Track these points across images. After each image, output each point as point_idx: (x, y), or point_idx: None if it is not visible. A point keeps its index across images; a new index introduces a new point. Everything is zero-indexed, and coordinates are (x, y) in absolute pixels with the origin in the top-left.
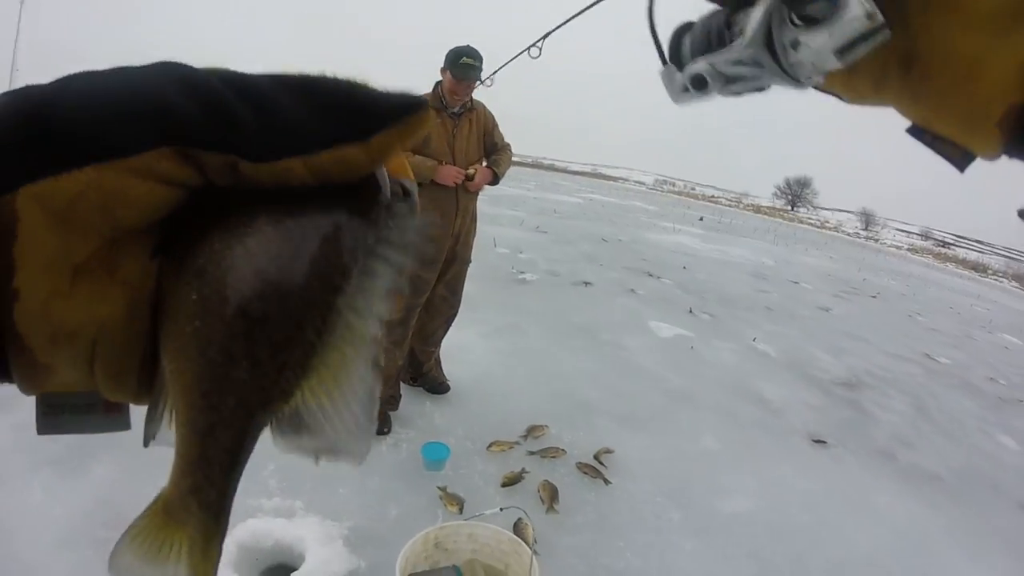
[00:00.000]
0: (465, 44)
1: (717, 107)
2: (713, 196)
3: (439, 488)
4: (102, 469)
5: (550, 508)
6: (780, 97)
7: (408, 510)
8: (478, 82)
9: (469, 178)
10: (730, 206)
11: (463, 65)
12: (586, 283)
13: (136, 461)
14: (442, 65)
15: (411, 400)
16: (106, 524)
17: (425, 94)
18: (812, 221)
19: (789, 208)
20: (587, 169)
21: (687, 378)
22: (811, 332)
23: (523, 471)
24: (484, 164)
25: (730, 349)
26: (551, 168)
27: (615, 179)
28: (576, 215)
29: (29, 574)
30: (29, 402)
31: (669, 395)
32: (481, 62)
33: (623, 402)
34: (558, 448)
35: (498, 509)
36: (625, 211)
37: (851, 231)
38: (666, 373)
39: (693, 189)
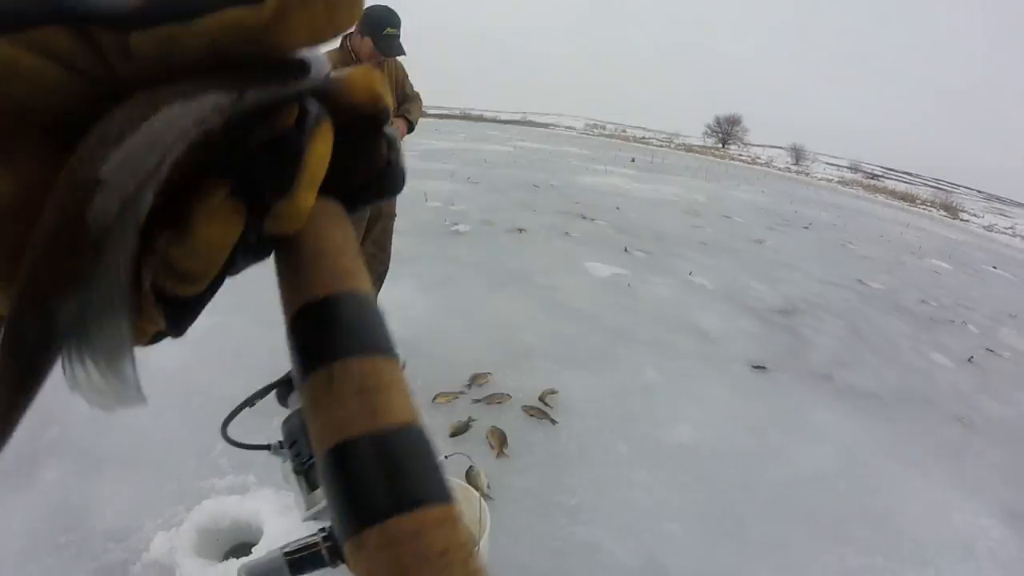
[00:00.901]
0: (383, 4)
1: (646, 41)
2: (644, 137)
3: None
4: (51, 475)
5: (500, 453)
6: (708, 30)
7: None
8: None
9: None
10: (661, 146)
11: (388, 37)
12: (520, 230)
13: (85, 461)
14: (360, 28)
15: None
16: (67, 529)
17: (331, 51)
18: (743, 158)
19: (720, 146)
20: (516, 118)
21: (625, 315)
22: (746, 264)
23: (470, 420)
24: (397, 115)
25: (666, 284)
26: (480, 119)
27: (545, 126)
28: (507, 163)
29: None
30: None
31: (608, 333)
32: (401, 27)
33: (563, 344)
34: (503, 394)
35: (443, 457)
36: (556, 156)
37: (782, 166)
38: (604, 312)
39: (624, 131)
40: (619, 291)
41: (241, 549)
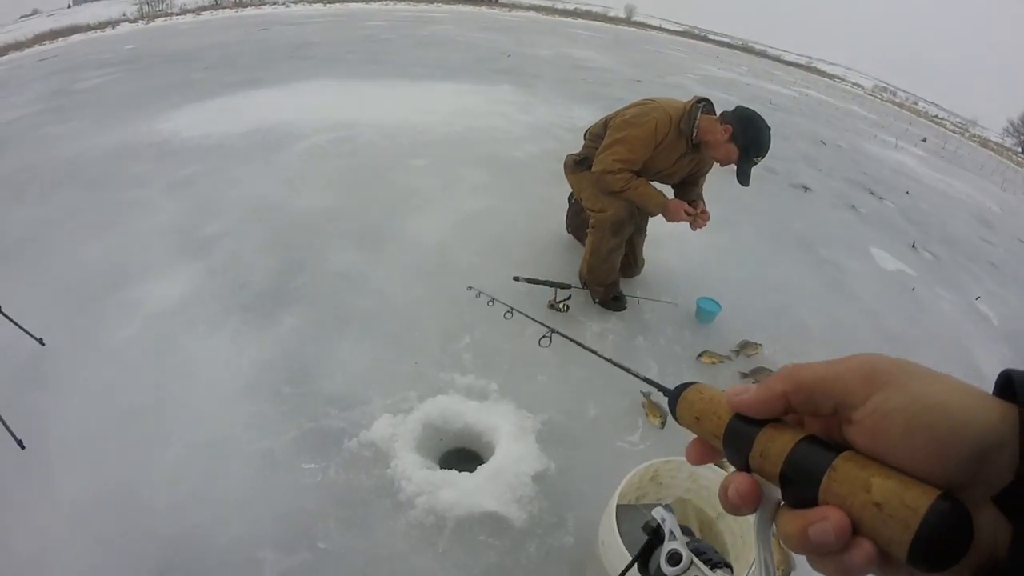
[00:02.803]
0: (768, 130)
1: (954, 27)
2: (937, 116)
3: (643, 394)
4: (292, 321)
5: None
6: None
7: (607, 412)
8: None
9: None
10: (954, 132)
11: (752, 163)
12: (805, 188)
13: (326, 316)
14: (728, 117)
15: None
16: (290, 380)
17: (678, 104)
18: None
19: (1020, 150)
20: (801, 61)
21: (905, 324)
22: None
23: None
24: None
25: (951, 301)
26: (762, 55)
27: (831, 76)
28: (791, 109)
29: (203, 421)
30: (225, 247)
31: (886, 338)
32: None
33: (840, 335)
34: (771, 372)
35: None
36: (842, 114)
37: None
38: (885, 311)
39: (915, 103)
40: (903, 292)
41: (461, 459)
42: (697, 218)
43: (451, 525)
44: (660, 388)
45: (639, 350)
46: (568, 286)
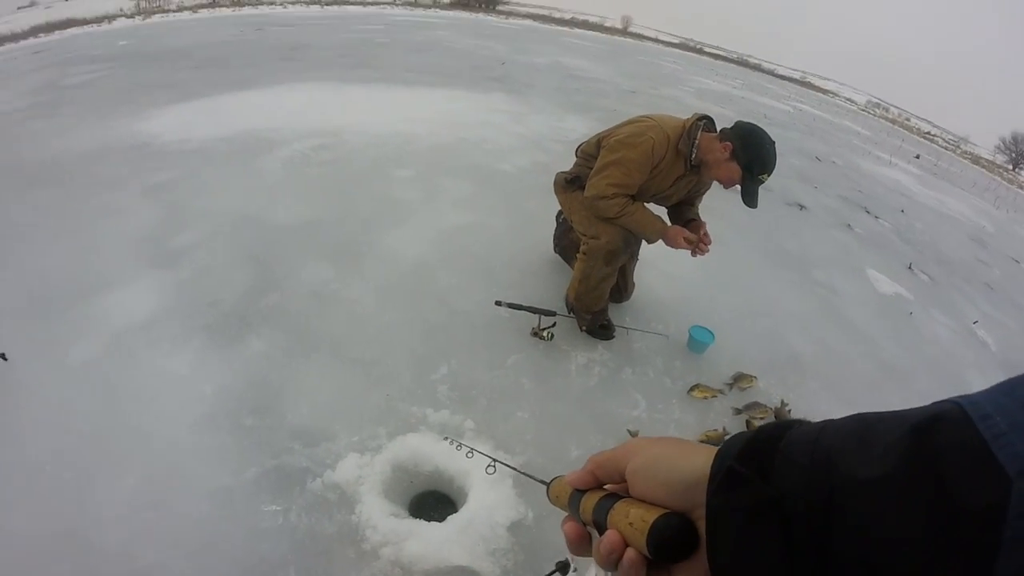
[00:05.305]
0: (772, 144)
1: (944, 38)
2: (929, 133)
3: (630, 432)
4: (260, 344)
5: None
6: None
7: (590, 453)
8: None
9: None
10: (946, 149)
11: (757, 182)
12: (800, 206)
13: (295, 340)
14: (727, 134)
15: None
16: (253, 410)
17: (677, 122)
18: None
19: (1010, 167)
20: (795, 75)
21: (902, 350)
22: None
23: (724, 432)
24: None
25: (948, 326)
26: (757, 68)
27: (824, 92)
28: (786, 124)
29: (160, 452)
30: (196, 260)
31: (883, 367)
32: None
33: (835, 365)
34: (766, 408)
35: None
36: (836, 130)
37: None
38: (882, 339)
39: (908, 120)
40: (900, 317)
41: (433, 499)
42: (699, 244)
43: None
44: (538, 480)
45: (626, 383)
46: (553, 313)
